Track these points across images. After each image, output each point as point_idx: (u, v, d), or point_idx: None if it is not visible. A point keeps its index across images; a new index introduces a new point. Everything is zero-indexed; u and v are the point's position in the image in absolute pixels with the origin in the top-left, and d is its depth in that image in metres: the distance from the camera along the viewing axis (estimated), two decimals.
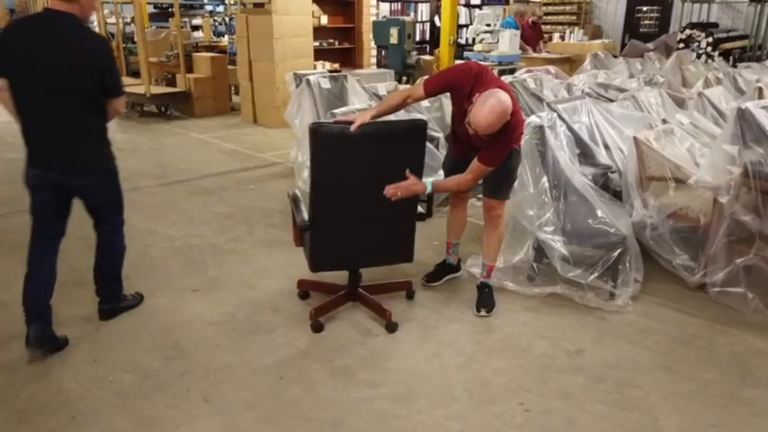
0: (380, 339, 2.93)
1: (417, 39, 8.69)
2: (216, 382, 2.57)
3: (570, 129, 3.78)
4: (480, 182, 3.06)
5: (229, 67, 9.23)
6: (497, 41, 8.66)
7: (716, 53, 10.21)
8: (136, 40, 9.51)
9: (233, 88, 9.79)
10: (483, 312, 3.14)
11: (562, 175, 3.28)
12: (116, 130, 7.82)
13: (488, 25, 8.70)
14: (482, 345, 2.89)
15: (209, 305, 3.25)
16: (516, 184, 3.29)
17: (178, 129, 7.95)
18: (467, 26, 9.81)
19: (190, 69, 9.01)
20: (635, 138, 3.59)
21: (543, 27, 10.93)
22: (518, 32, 8.70)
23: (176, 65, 9.02)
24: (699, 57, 9.82)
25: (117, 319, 3.06)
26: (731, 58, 10.15)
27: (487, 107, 2.60)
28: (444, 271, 3.50)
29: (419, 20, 12.08)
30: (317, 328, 2.97)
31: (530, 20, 9.68)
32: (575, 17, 13.28)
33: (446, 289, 3.43)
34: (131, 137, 7.45)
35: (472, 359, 2.77)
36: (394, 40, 7.48)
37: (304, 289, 3.33)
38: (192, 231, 4.30)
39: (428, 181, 2.80)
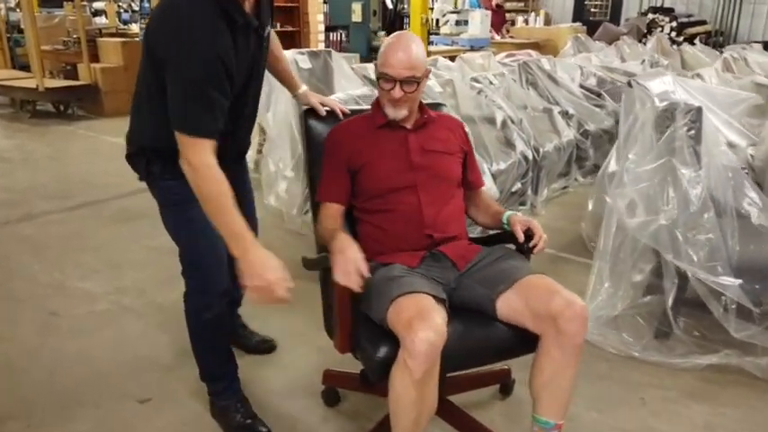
0: None
1: None
2: None
3: None
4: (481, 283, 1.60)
5: None
6: (466, 23, 7.62)
7: (681, 38, 9.76)
8: (23, 27, 7.64)
9: None
10: None
11: (728, 183, 2.14)
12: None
13: (456, 6, 7.63)
14: None
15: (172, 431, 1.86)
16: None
17: (84, 131, 6.25)
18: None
19: (95, 59, 7.28)
20: None
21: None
22: (489, 13, 7.69)
23: (77, 53, 7.27)
24: None
25: None
26: (696, 43, 9.67)
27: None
28: None
29: None
30: None
31: (494, 2, 8.73)
32: (522, 4, 12.52)
33: None
34: (20, 143, 5.70)
35: None
36: (357, 17, 6.19)
37: (332, 385, 1.99)
38: (121, 282, 2.84)
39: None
